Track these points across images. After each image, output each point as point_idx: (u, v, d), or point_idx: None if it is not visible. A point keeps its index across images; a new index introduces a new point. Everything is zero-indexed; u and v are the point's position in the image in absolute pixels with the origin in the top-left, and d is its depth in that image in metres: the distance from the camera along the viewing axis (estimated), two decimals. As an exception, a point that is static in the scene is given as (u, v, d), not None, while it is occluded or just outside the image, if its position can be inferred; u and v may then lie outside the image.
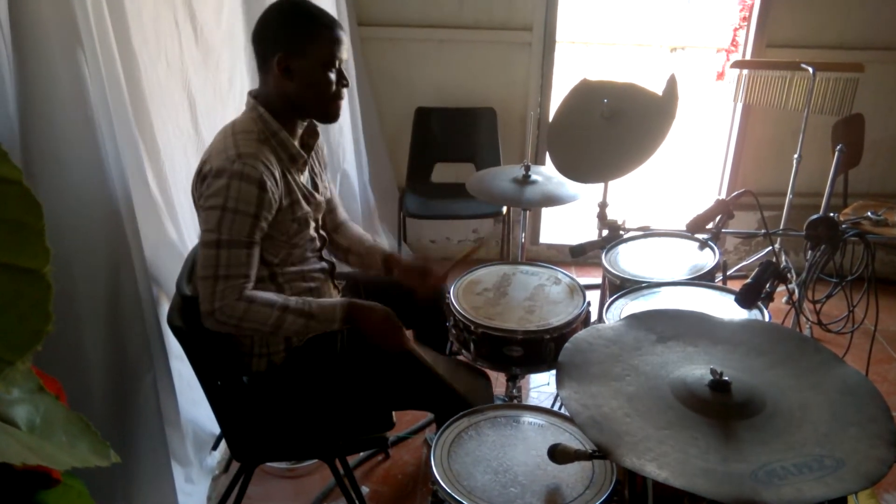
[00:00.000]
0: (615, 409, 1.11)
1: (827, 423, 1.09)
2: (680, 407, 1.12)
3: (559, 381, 1.18)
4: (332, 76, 1.60)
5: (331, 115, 1.67)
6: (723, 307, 1.81)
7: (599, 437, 1.05)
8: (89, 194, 1.46)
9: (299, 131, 1.69)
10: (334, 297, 1.83)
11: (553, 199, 2.39)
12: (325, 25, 1.58)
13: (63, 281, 1.39)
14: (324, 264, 1.82)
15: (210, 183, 1.52)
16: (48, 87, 1.33)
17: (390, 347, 1.67)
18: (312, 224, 1.74)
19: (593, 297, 2.13)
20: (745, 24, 3.21)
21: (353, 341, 1.78)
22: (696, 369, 1.19)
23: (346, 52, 1.62)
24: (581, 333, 1.30)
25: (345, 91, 1.65)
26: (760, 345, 1.29)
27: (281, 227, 1.61)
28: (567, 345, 1.26)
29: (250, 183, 1.50)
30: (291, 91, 1.59)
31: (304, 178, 1.72)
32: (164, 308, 1.75)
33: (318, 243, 1.80)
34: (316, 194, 1.75)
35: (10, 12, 1.24)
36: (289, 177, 1.63)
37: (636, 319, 1.37)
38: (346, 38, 1.62)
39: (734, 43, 3.26)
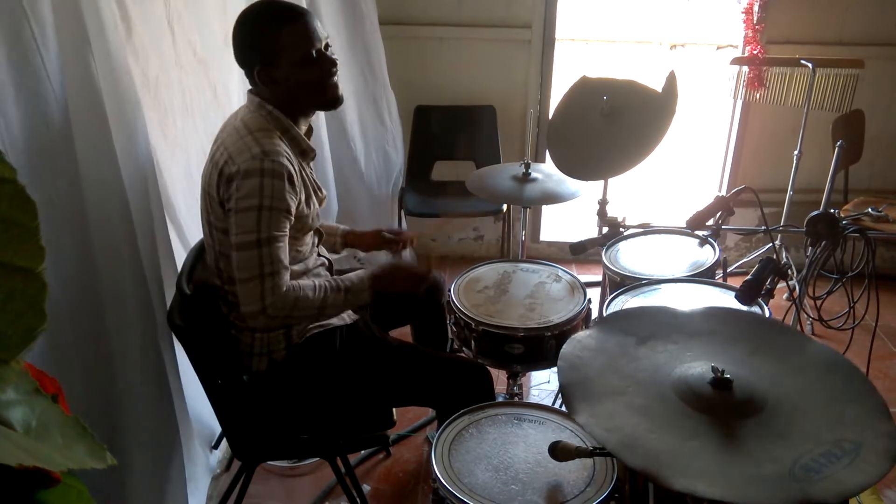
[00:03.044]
0: (636, 426, 1.08)
1: (827, 406, 1.10)
2: (693, 413, 1.10)
3: (573, 410, 1.14)
4: (316, 66, 1.58)
5: (330, 102, 1.66)
6: (723, 304, 1.81)
7: (637, 462, 1.02)
8: (98, 193, 1.46)
9: (304, 127, 1.70)
10: None
11: (553, 197, 2.39)
12: (286, 25, 1.54)
13: (69, 281, 1.38)
14: (323, 260, 1.82)
15: (240, 185, 1.52)
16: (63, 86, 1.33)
17: (420, 292, 1.77)
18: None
19: (594, 294, 2.13)
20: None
21: (353, 339, 1.78)
22: (690, 369, 1.18)
23: (319, 38, 1.57)
24: (566, 348, 1.26)
25: (335, 70, 1.61)
26: (732, 333, 1.30)
27: (297, 222, 1.62)
28: (560, 363, 1.23)
29: (281, 179, 1.52)
30: (283, 95, 1.60)
31: (311, 172, 1.73)
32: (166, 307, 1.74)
33: (316, 238, 1.81)
34: (323, 188, 1.76)
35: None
36: (302, 172, 1.64)
37: (608, 324, 1.35)
38: (313, 22, 1.57)
39: (755, 43, 3.20)
